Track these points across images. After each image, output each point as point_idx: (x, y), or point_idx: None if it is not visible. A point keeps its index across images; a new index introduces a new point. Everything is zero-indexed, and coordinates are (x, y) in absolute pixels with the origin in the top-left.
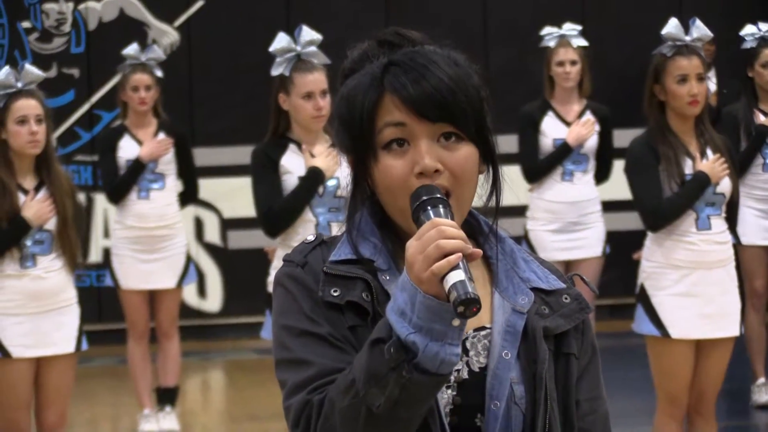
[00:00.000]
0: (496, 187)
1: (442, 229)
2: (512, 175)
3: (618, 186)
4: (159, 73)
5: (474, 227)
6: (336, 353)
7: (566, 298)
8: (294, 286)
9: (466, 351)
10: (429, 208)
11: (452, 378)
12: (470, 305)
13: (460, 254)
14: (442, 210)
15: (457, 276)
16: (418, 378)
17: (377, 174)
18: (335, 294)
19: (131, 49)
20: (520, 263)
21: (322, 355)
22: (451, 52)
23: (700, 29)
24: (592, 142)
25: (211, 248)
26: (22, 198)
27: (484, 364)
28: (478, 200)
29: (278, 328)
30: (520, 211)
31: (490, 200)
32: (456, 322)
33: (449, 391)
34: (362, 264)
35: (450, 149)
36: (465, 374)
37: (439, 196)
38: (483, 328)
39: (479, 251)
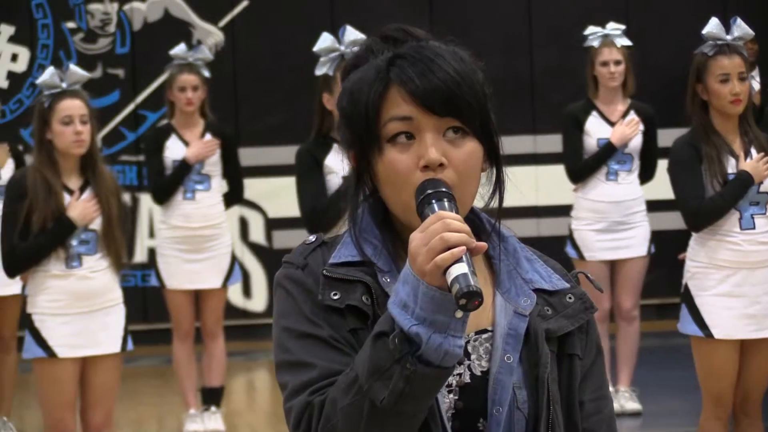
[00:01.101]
0: (499, 186)
1: (446, 222)
2: (557, 174)
3: (663, 185)
4: (206, 74)
5: (477, 226)
6: (337, 355)
7: (570, 298)
8: (294, 288)
9: (467, 354)
10: (434, 201)
11: (454, 382)
12: (472, 298)
13: (464, 247)
14: (446, 203)
15: (460, 269)
16: (423, 370)
17: (381, 168)
18: (335, 297)
19: (179, 49)
20: (523, 263)
21: (323, 357)
22: (456, 49)
23: (741, 28)
24: (636, 142)
25: (255, 248)
26: (67, 198)
27: (486, 367)
28: (480, 200)
29: (279, 330)
30: (565, 210)
31: (493, 199)
32: (459, 314)
33: (451, 396)
34: (363, 265)
35: (455, 144)
36: (467, 378)
37: (444, 189)
38: (485, 331)
39: (483, 244)
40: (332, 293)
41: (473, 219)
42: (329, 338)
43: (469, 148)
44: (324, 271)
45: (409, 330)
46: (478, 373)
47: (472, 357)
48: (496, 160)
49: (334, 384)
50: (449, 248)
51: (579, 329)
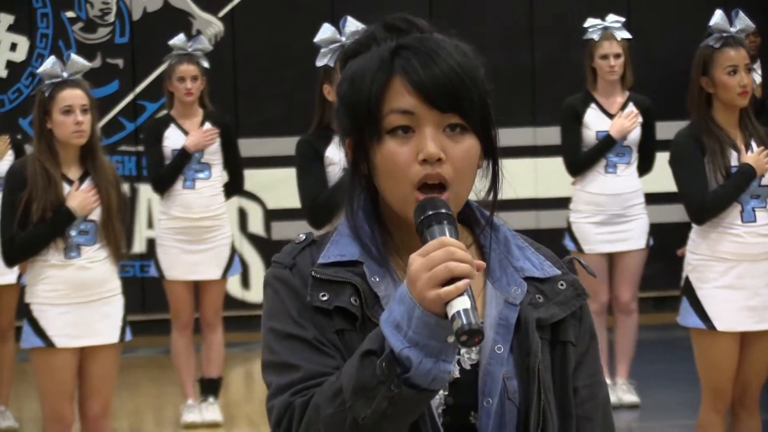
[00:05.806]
0: (495, 180)
1: (451, 251)
2: (557, 166)
3: (661, 178)
4: (205, 64)
5: (470, 217)
6: (321, 357)
7: (562, 285)
8: (282, 289)
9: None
10: (434, 224)
11: None
12: (473, 336)
13: (468, 280)
14: (447, 228)
15: (462, 303)
16: (407, 393)
17: (379, 158)
18: (323, 299)
19: (178, 39)
20: (514, 251)
21: (307, 359)
22: (459, 42)
23: (742, 20)
24: (635, 134)
25: (255, 239)
26: (66, 188)
27: (475, 360)
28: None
29: (266, 331)
30: (564, 203)
31: (489, 194)
32: (450, 339)
33: (441, 392)
34: (352, 265)
35: (454, 140)
36: (456, 373)
37: (443, 211)
38: None
39: (482, 264)
40: (321, 294)
41: (466, 210)
42: (314, 340)
43: (468, 144)
44: (312, 272)
45: (401, 353)
46: (468, 367)
47: (462, 351)
48: (493, 156)
49: (320, 389)
50: (453, 278)
51: (572, 316)
